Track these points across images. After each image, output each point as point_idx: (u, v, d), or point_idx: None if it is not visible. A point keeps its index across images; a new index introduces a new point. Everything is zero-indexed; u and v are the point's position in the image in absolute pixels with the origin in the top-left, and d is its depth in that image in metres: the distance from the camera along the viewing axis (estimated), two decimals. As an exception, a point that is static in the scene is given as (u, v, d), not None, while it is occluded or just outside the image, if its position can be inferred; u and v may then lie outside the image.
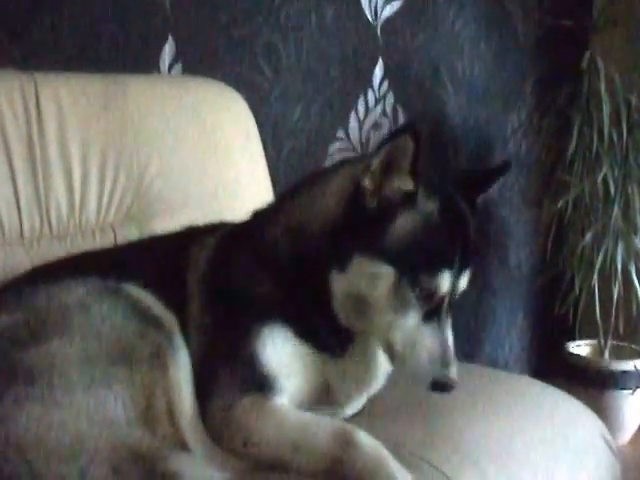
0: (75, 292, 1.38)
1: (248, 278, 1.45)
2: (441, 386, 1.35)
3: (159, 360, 1.32)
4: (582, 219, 3.34)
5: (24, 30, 2.01)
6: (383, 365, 1.50)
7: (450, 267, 1.36)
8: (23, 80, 1.78)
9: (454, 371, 1.34)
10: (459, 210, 1.42)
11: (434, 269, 1.34)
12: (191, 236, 1.57)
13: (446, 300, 1.37)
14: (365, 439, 1.28)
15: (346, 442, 1.27)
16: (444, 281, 1.36)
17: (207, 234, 1.57)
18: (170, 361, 1.33)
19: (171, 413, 1.30)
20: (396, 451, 1.30)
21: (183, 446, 1.30)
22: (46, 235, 1.78)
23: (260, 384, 1.36)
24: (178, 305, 1.43)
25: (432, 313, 1.36)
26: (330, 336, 1.42)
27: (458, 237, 1.38)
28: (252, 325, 1.40)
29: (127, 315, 1.36)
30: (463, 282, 1.41)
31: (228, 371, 1.37)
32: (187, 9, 2.34)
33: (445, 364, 1.34)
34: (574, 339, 3.58)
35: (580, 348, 3.55)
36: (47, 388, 1.23)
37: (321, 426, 1.31)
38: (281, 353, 1.39)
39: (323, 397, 1.46)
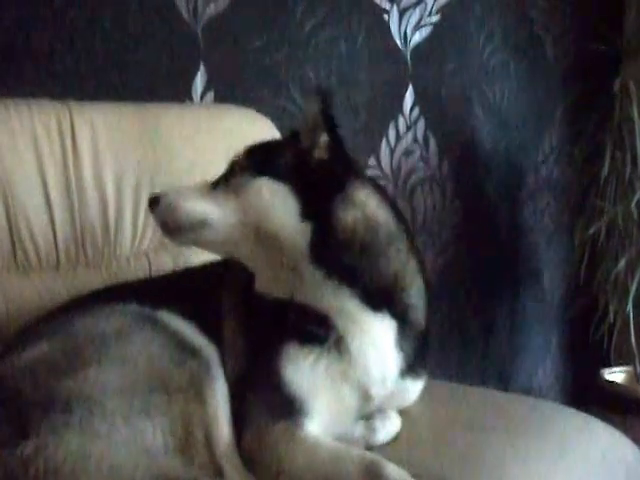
0: (112, 320, 1.39)
1: (270, 301, 1.45)
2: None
3: (196, 389, 1.32)
4: (616, 244, 3.29)
5: (59, 60, 2.04)
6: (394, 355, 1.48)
7: None
8: (59, 110, 1.81)
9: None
10: None
11: None
12: (227, 264, 1.58)
13: None
14: (395, 472, 1.26)
15: (375, 475, 1.26)
16: None
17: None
18: (207, 390, 1.33)
19: (208, 442, 1.30)
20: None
21: (220, 474, 1.30)
22: (82, 263, 1.80)
23: (289, 408, 1.36)
24: (216, 333, 1.44)
25: None
26: (329, 334, 1.41)
27: None
28: (274, 347, 1.40)
29: (164, 344, 1.36)
30: None
31: (258, 397, 1.38)
32: (218, 38, 2.36)
33: None
34: (609, 366, 3.53)
35: (615, 375, 3.50)
36: (85, 417, 1.23)
37: (351, 458, 1.30)
38: (302, 367, 1.39)
39: (357, 403, 1.44)
